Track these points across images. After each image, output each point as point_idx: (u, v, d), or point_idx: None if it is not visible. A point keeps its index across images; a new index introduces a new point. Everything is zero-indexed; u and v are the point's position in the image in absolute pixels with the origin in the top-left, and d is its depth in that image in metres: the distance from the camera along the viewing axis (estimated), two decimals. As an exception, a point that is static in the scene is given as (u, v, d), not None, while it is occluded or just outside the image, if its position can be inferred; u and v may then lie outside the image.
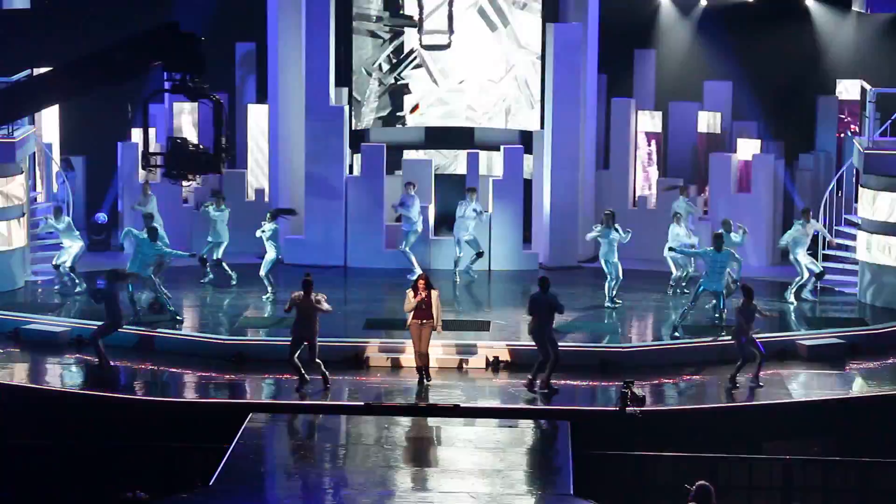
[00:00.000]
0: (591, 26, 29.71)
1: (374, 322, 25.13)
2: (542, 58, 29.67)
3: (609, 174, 30.55)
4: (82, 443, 20.27)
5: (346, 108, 29.60)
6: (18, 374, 22.93)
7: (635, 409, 20.80)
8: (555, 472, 19.00)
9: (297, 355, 21.85)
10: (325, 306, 22.02)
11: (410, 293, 21.98)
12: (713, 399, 22.13)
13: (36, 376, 22.92)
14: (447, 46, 28.68)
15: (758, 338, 22.39)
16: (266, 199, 29.99)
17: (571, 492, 18.29)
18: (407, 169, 29.64)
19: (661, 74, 31.75)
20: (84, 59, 15.12)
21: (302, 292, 21.87)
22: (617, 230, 26.02)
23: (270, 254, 26.42)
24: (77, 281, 26.53)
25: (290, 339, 22.04)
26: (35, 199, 28.59)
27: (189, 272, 27.60)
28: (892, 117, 26.92)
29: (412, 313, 21.99)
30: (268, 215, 26.63)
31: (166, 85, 15.76)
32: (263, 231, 26.37)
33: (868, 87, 27.20)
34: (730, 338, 22.72)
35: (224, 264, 27.38)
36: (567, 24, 29.51)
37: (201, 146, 16.22)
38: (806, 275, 26.52)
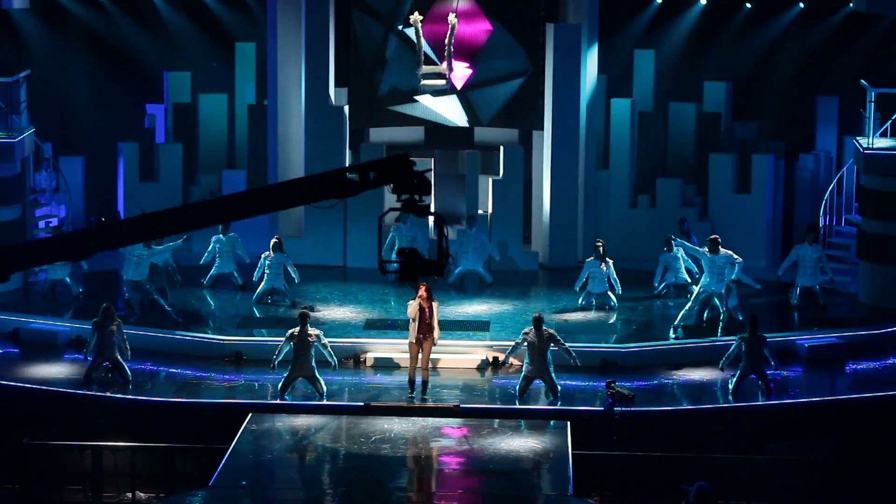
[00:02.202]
0: (591, 26, 29.66)
1: (373, 322, 25.13)
2: (542, 58, 29.61)
3: (609, 174, 30.48)
4: (82, 443, 20.26)
5: (346, 108, 29.56)
6: (18, 374, 22.92)
7: (622, 409, 20.80)
8: (555, 472, 19.01)
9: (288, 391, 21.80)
10: (327, 354, 21.89)
11: (413, 302, 21.90)
12: (713, 399, 22.13)
13: (36, 376, 22.89)
14: (447, 84, 28.55)
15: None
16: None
17: (571, 492, 18.31)
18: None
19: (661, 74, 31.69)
20: (320, 175, 16.68)
21: (298, 327, 21.79)
22: (607, 262, 25.84)
23: (265, 283, 26.13)
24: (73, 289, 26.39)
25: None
26: (34, 201, 28.55)
27: (187, 273, 27.54)
28: (893, 117, 26.88)
29: (413, 329, 21.81)
30: (272, 243, 26.35)
31: (397, 204, 17.76)
32: (268, 257, 26.16)
33: (868, 87, 27.13)
34: (729, 337, 22.69)
35: (235, 274, 27.25)
36: (567, 24, 29.47)
37: (426, 257, 18.09)
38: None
